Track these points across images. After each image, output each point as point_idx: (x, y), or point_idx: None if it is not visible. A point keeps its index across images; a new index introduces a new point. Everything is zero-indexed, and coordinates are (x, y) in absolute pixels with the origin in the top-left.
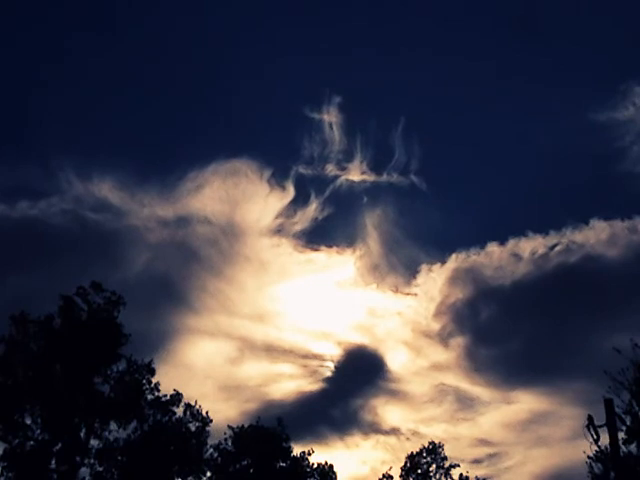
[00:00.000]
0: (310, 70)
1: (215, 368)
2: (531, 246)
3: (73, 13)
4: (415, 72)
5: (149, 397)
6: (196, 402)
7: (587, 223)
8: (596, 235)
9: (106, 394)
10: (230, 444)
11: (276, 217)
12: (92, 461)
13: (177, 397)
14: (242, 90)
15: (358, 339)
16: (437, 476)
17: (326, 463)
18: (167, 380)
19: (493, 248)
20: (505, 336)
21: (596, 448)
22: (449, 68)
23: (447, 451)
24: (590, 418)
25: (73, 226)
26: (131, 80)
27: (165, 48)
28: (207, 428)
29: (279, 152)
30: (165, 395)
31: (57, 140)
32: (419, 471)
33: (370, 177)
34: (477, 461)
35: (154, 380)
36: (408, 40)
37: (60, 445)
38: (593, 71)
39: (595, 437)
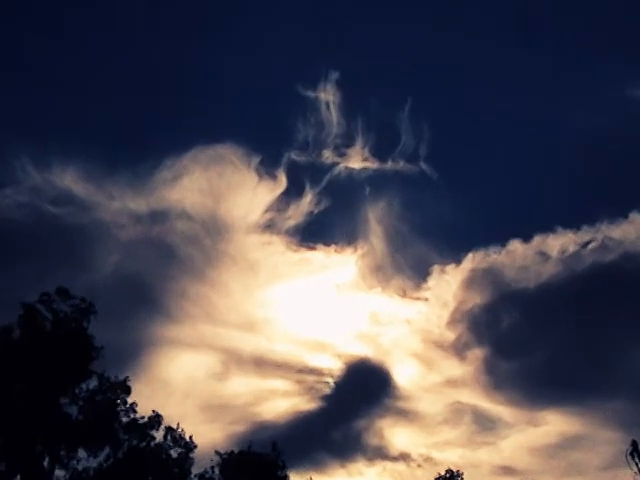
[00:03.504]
0: (304, 43)
1: (198, 385)
2: (560, 243)
3: None
4: (424, 44)
5: (124, 419)
6: (178, 425)
7: (626, 217)
8: (636, 230)
9: (74, 417)
10: (218, 472)
11: (266, 211)
12: None
13: (156, 419)
14: (226, 66)
15: (361, 351)
16: None
17: None
18: (144, 399)
19: (516, 246)
20: (530, 347)
21: None
22: (464, 40)
23: None
24: (634, 444)
25: (30, 221)
26: (98, 57)
27: (137, 20)
28: (191, 454)
29: (269, 136)
30: (142, 417)
31: (11, 124)
32: None
33: (373, 164)
34: None
35: (130, 400)
36: (416, 8)
37: (19, 477)
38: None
39: None
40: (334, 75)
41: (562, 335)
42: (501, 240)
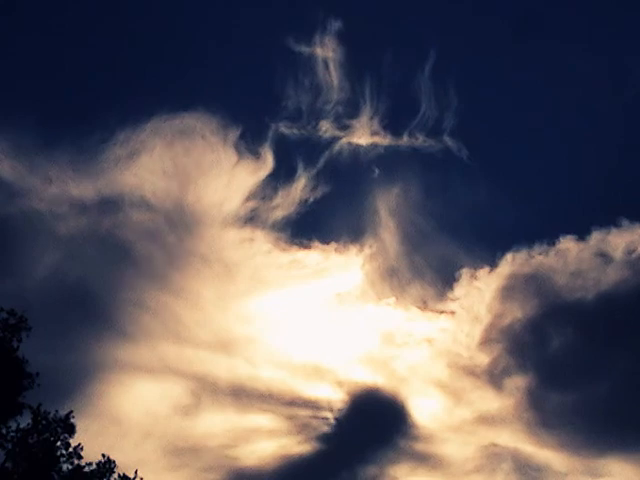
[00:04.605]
0: None
1: (160, 422)
2: (626, 241)
3: None
4: None
5: (65, 467)
6: (136, 473)
7: None
8: None
9: (0, 464)
10: None
11: (247, 199)
12: None
13: (107, 466)
14: (195, 13)
15: (369, 378)
16: None
17: None
18: (92, 441)
19: (568, 244)
20: (589, 375)
21: None
22: None
23: None
24: None
25: None
26: (32, 4)
27: None
28: None
29: (250, 103)
30: (90, 463)
31: None
32: None
33: (384, 140)
34: None
35: (73, 442)
36: None
37: None
38: None
39: None
40: (335, 25)
41: (630, 360)
42: (549, 237)
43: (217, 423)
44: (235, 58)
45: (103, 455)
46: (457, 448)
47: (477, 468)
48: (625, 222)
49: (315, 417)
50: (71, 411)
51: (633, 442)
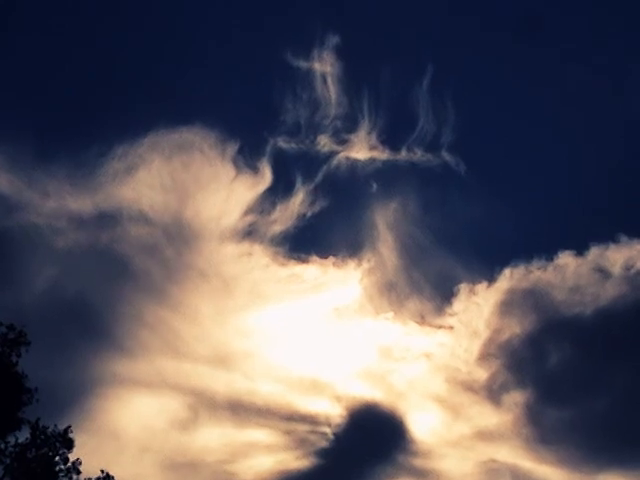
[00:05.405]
0: None
1: (158, 436)
2: (625, 257)
3: None
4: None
5: None
6: None
7: None
8: None
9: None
10: None
11: (245, 213)
12: None
13: None
14: (194, 27)
15: (367, 393)
16: None
17: None
18: (90, 456)
19: (567, 259)
20: (587, 390)
21: None
22: None
23: None
24: None
25: None
26: (31, 16)
27: None
28: None
29: (249, 117)
30: (88, 478)
31: None
32: None
33: (382, 154)
34: None
35: (72, 456)
36: None
37: None
38: None
39: None
40: (333, 40)
41: (629, 375)
42: (548, 252)
43: (215, 438)
44: (233, 73)
45: (102, 470)
46: (456, 463)
47: None
48: (624, 238)
49: (313, 432)
50: (69, 426)
51: (632, 458)
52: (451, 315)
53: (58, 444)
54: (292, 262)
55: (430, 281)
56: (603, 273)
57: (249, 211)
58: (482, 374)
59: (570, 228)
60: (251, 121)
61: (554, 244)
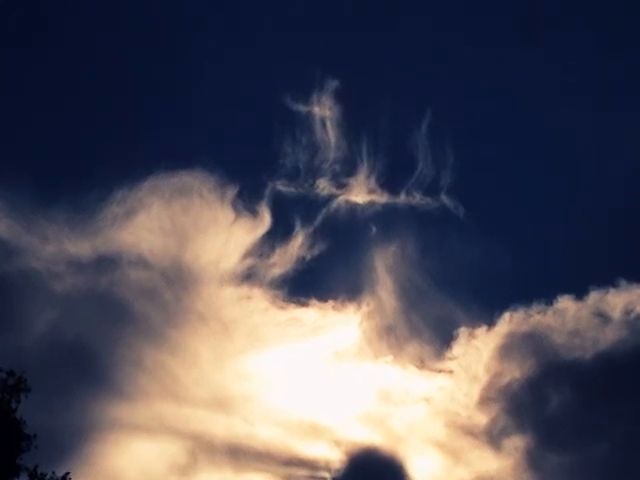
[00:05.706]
0: (294, 43)
1: None
2: (624, 301)
3: None
4: (446, 44)
5: None
6: None
7: None
8: None
9: None
10: None
11: (244, 257)
12: None
13: None
14: (195, 72)
15: (367, 437)
16: None
17: None
18: None
19: (566, 304)
20: (588, 436)
21: None
22: (498, 40)
23: None
24: None
25: None
26: (28, 58)
27: (82, 13)
28: None
29: (248, 161)
30: None
31: None
32: None
33: (381, 198)
34: None
35: None
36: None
37: None
38: None
39: None
40: (332, 84)
41: (629, 420)
42: (547, 296)
43: None
44: (233, 117)
45: None
46: None
47: None
48: (623, 282)
49: (313, 477)
50: (68, 473)
51: None
52: (451, 359)
53: None
54: (291, 305)
55: (429, 325)
56: (603, 317)
57: (248, 254)
58: (482, 418)
59: (570, 272)
60: (250, 165)
61: (554, 288)
